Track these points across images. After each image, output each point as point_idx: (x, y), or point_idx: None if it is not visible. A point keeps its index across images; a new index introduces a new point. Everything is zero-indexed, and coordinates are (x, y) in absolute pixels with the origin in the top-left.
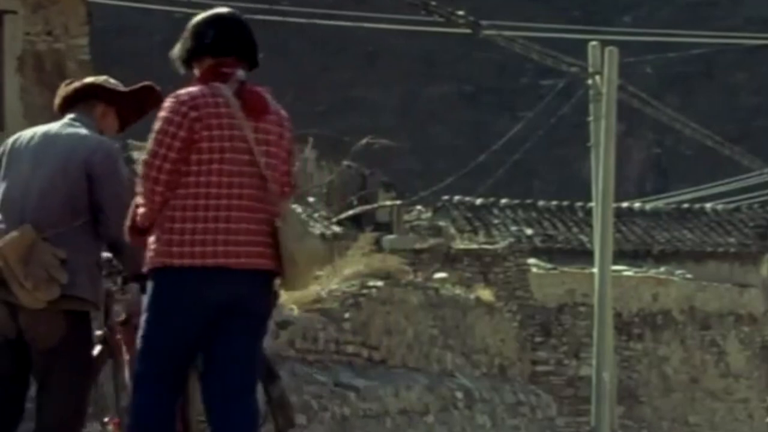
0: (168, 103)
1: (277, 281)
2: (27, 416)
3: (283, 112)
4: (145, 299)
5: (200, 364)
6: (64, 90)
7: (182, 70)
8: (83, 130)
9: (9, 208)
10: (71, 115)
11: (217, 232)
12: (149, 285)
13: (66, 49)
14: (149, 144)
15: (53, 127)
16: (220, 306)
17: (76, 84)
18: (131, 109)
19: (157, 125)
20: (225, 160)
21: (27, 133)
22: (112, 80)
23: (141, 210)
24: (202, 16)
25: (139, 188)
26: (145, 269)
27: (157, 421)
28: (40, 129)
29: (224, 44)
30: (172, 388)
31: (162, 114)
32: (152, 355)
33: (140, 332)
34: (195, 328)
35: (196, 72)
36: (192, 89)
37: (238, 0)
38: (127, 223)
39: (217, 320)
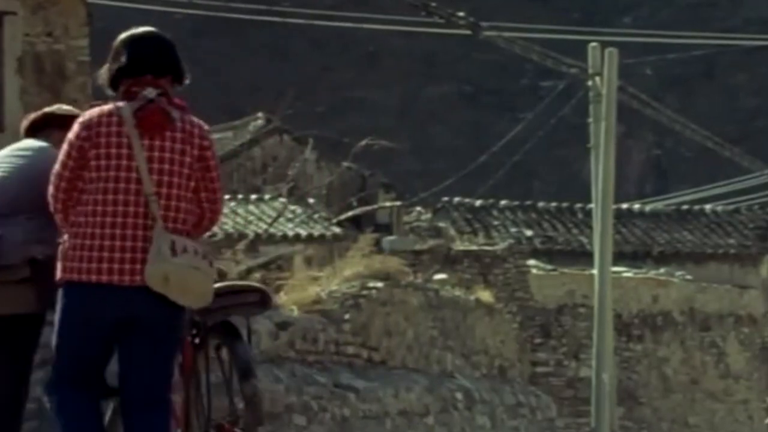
0: (74, 124)
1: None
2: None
3: (197, 129)
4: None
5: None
6: (25, 123)
7: (110, 93)
8: (43, 143)
9: None
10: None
11: (102, 249)
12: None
13: (66, 50)
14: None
15: (17, 143)
16: (117, 322)
17: (33, 116)
18: None
19: (62, 146)
20: (110, 178)
21: None
22: (65, 106)
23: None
24: (118, 38)
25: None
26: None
27: (79, 421)
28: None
29: (137, 65)
30: (89, 392)
31: (68, 135)
32: (61, 361)
33: (53, 340)
34: (95, 341)
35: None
36: (95, 110)
37: (239, 1)
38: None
39: (118, 335)
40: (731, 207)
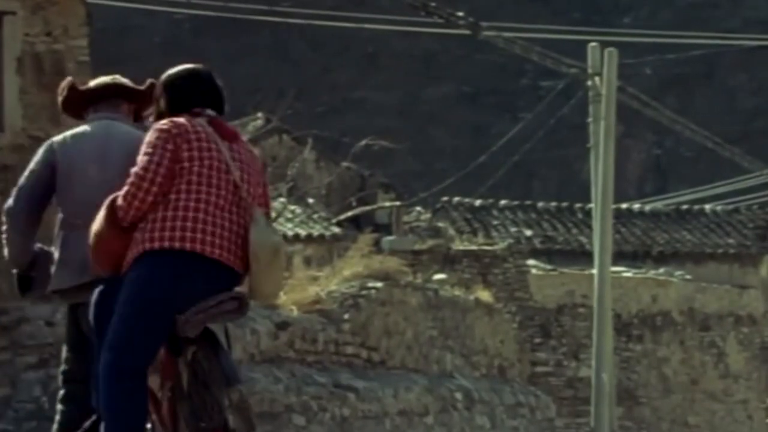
0: (154, 126)
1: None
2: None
3: (252, 149)
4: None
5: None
6: (85, 88)
7: None
8: (131, 128)
9: (88, 206)
10: (107, 114)
11: (197, 221)
12: (138, 271)
13: (65, 50)
14: (140, 160)
15: (101, 127)
16: (195, 296)
17: (102, 81)
18: (145, 104)
19: (145, 145)
20: (204, 165)
21: (73, 135)
22: (122, 78)
23: (126, 209)
24: (160, 79)
25: (129, 191)
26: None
27: (138, 420)
28: (89, 130)
29: (180, 106)
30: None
31: (148, 137)
32: (125, 342)
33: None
34: (170, 314)
35: None
36: (172, 118)
37: (239, 1)
38: (104, 221)
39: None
40: (731, 207)
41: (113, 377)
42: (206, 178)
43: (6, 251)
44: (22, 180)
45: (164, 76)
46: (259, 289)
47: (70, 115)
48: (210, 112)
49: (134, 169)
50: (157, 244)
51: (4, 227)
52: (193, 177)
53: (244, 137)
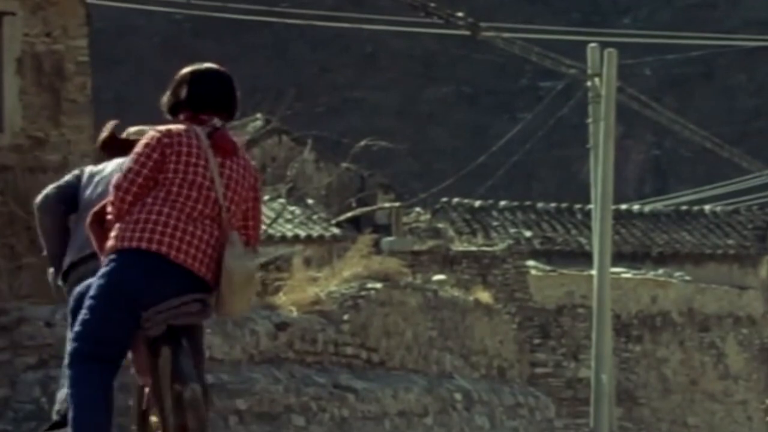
0: (148, 133)
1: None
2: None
3: (251, 163)
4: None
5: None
6: (122, 138)
7: (168, 117)
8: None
9: (98, 198)
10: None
11: (167, 226)
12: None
13: (65, 51)
14: (126, 163)
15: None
16: (161, 299)
17: (134, 131)
18: None
19: (135, 149)
20: (188, 179)
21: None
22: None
23: (110, 216)
24: (183, 71)
25: (110, 197)
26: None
27: (103, 409)
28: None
29: (198, 101)
30: (108, 367)
31: (141, 141)
32: (90, 330)
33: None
34: (135, 312)
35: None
36: (170, 125)
37: (239, 2)
38: (89, 219)
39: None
40: (730, 207)
41: (79, 364)
42: (186, 191)
43: (44, 246)
44: (52, 184)
45: (191, 68)
46: (228, 307)
47: (108, 155)
48: (216, 122)
49: (115, 177)
50: (126, 244)
51: (38, 222)
52: (173, 188)
53: (245, 144)
